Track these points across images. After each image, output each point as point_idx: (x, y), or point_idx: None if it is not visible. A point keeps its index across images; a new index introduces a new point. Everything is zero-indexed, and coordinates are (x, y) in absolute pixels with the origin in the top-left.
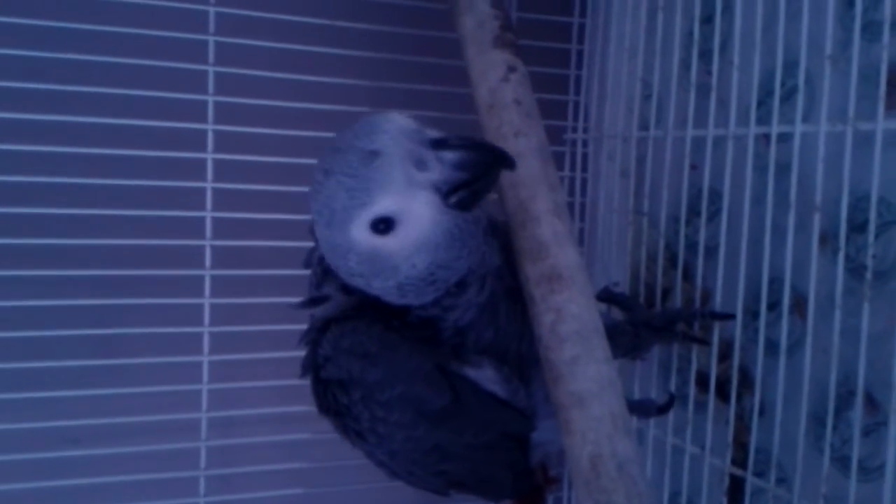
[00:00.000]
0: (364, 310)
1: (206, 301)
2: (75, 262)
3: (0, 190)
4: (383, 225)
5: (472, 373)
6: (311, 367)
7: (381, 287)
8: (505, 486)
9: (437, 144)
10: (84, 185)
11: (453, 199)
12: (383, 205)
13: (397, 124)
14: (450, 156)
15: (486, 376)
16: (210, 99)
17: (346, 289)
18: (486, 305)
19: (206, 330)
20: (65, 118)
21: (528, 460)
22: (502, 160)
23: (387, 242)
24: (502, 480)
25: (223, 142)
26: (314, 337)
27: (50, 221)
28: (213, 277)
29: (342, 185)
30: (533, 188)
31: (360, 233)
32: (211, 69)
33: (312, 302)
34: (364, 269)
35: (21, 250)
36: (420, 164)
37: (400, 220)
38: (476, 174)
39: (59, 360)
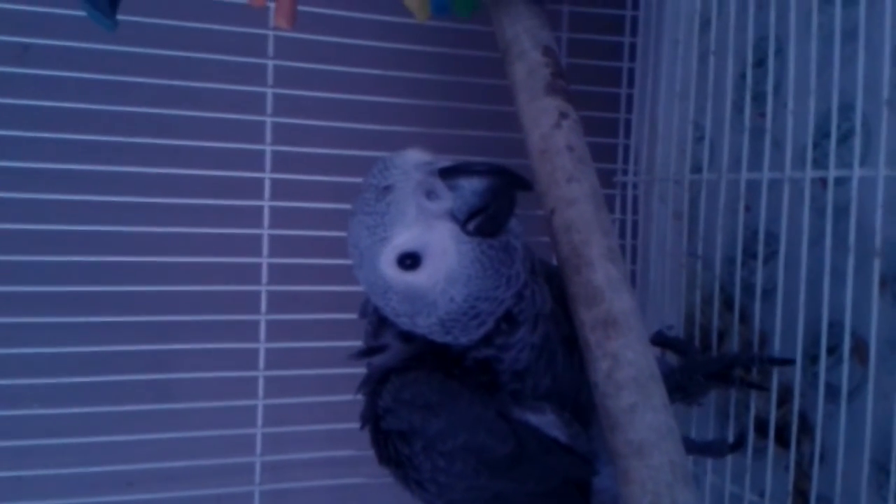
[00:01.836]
0: (423, 358)
1: (262, 346)
2: (133, 308)
3: (55, 238)
4: (409, 260)
5: (533, 418)
6: (371, 418)
7: (426, 325)
8: None
9: (447, 173)
10: (142, 233)
11: (471, 226)
12: (403, 238)
13: (408, 158)
14: (461, 182)
15: (547, 421)
16: (268, 149)
17: (404, 336)
18: (542, 349)
19: (260, 374)
20: (119, 168)
21: None
22: (515, 182)
23: (418, 278)
24: None
25: (280, 190)
26: (373, 388)
27: (106, 268)
28: (268, 322)
29: (363, 224)
30: (586, 233)
31: (390, 270)
32: (269, 120)
33: (370, 351)
34: (406, 308)
35: (78, 297)
36: (431, 195)
37: (424, 254)
38: (488, 199)
39: (115, 405)
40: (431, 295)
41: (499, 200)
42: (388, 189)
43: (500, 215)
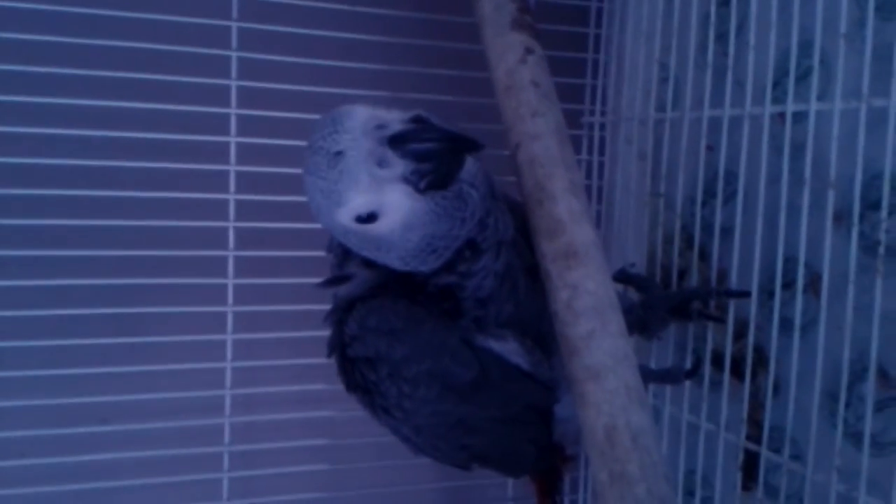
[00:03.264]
0: (387, 287)
1: (230, 281)
2: (105, 243)
3: (32, 172)
4: (366, 216)
5: (496, 346)
6: (338, 346)
7: (386, 258)
8: (527, 461)
9: (396, 141)
10: (113, 167)
11: (423, 185)
12: (357, 202)
13: (358, 121)
14: (411, 150)
15: (510, 349)
16: (233, 83)
17: (368, 263)
18: (504, 277)
19: (229, 309)
20: (97, 102)
21: (551, 435)
22: (464, 146)
23: (376, 228)
24: (525, 455)
25: (246, 126)
26: (339, 316)
27: (81, 203)
28: (237, 258)
29: (317, 187)
30: (550, 167)
31: (348, 223)
32: (234, 54)
33: (335, 280)
34: (365, 247)
35: (52, 231)
36: (382, 163)
37: (379, 212)
38: (438, 163)
39: (86, 339)
40: (390, 239)
41: (448, 163)
42: (339, 155)
43: (449, 174)
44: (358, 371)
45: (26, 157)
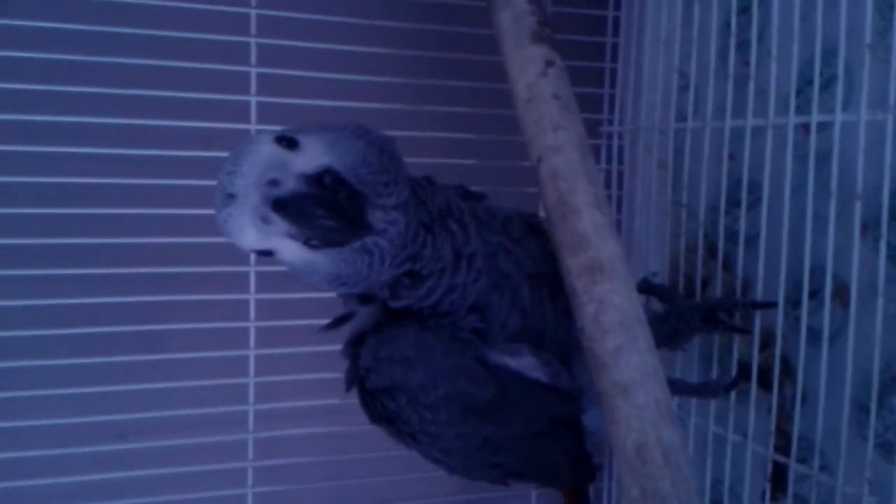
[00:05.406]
0: (390, 315)
1: (252, 297)
2: (127, 260)
3: (52, 190)
4: (263, 252)
5: (511, 362)
6: (356, 379)
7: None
8: (563, 472)
9: (279, 206)
10: (135, 184)
11: (314, 242)
12: (246, 243)
13: (255, 168)
14: (294, 218)
15: (527, 364)
16: (253, 99)
17: (362, 298)
18: (501, 287)
19: (251, 325)
20: (119, 121)
21: (583, 444)
22: (345, 232)
23: (279, 260)
24: (560, 466)
25: None
26: (353, 350)
27: (102, 220)
28: (258, 274)
29: (218, 217)
30: (572, 181)
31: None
32: (253, 70)
33: (338, 322)
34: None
35: (74, 249)
36: (265, 220)
37: (275, 252)
38: (322, 233)
39: (108, 356)
40: (296, 269)
41: (334, 234)
42: (231, 198)
43: (335, 241)
44: (378, 402)
45: (50, 177)
